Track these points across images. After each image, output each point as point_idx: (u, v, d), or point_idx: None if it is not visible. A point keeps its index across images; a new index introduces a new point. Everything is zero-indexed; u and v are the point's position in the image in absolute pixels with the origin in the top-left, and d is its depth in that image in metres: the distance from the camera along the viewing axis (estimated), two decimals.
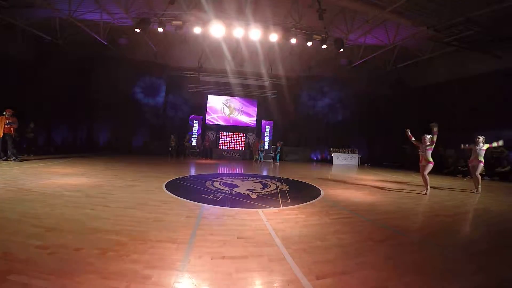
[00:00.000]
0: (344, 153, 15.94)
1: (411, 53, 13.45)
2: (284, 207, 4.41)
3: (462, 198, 5.96)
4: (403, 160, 14.75)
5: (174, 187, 5.74)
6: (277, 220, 3.63)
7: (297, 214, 4.00)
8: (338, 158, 15.65)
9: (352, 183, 7.81)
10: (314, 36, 10.71)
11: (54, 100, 13.97)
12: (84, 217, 3.35)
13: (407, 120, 16.49)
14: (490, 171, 10.21)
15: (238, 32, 10.88)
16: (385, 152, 16.80)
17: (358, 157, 15.84)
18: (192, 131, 16.58)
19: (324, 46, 11.17)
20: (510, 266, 2.50)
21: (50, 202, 3.92)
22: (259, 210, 4.13)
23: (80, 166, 8.30)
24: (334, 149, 16.07)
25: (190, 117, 16.83)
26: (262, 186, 6.34)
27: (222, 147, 17.21)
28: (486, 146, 6.71)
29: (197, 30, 10.70)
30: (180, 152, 15.22)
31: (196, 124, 16.74)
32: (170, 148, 14.61)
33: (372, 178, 9.32)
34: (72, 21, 11.29)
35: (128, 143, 15.91)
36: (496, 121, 11.89)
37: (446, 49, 12.02)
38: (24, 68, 13.32)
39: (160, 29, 10.31)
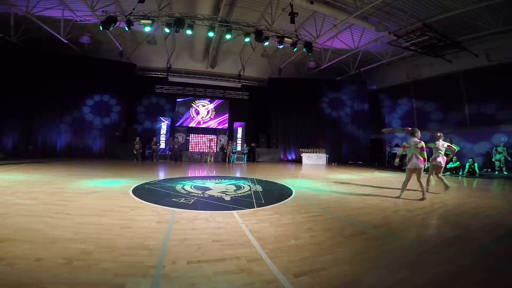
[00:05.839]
0: (313, 153, 16.45)
1: (373, 57, 14.38)
2: (258, 208, 4.42)
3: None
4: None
5: (142, 192, 5.45)
6: (252, 221, 3.63)
7: (271, 214, 4.03)
8: (307, 158, 16.12)
9: (321, 181, 8.08)
10: (286, 39, 10.94)
11: (5, 101, 12.60)
12: (42, 226, 3.05)
13: (369, 121, 17.70)
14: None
15: (211, 32, 10.73)
16: (350, 151, 17.70)
17: (326, 157, 16.44)
18: (160, 134, 15.93)
19: (294, 49, 11.46)
20: (467, 254, 2.74)
21: (1, 211, 3.53)
22: (234, 212, 4.09)
23: (35, 172, 7.57)
24: (303, 150, 16.54)
25: (158, 119, 16.16)
26: (235, 188, 6.30)
27: (192, 149, 16.86)
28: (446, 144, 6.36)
29: (167, 29, 10.36)
30: (147, 156, 14.52)
31: (164, 127, 16.08)
32: (135, 152, 13.77)
33: (339, 176, 9.70)
34: (29, 18, 10.30)
35: (90, 147, 14.76)
36: (449, 121, 13.13)
37: (404, 53, 13.05)
38: None
39: (127, 29, 9.81)
